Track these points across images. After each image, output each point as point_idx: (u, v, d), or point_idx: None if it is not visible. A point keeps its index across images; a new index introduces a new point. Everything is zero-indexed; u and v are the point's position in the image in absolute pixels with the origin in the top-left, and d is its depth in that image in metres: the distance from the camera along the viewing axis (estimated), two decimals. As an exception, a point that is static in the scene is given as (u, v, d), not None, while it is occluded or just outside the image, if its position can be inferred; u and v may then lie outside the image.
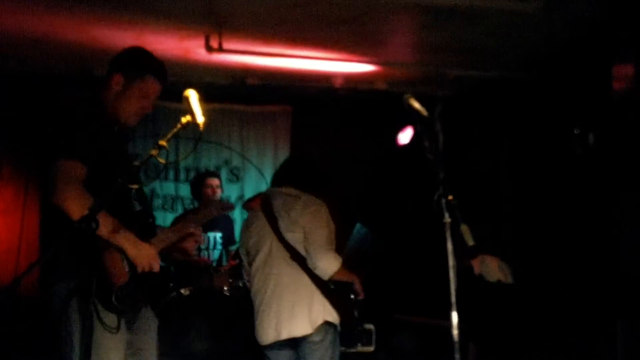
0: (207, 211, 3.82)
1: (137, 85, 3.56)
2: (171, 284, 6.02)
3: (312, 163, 5.01)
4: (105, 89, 3.57)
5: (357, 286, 4.75)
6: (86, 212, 2.86)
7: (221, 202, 6.54)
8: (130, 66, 3.58)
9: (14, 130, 7.40)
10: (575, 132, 5.76)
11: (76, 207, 3.20)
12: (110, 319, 3.31)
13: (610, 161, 5.59)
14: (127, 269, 3.33)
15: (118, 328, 3.31)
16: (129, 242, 3.30)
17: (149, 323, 3.63)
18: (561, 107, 6.17)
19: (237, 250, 6.92)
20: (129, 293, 3.32)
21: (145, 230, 3.51)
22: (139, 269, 3.32)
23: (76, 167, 3.28)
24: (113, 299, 3.27)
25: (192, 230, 3.68)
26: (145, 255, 3.32)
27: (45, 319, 6.63)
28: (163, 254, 3.54)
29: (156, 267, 3.35)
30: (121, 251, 3.31)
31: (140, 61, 3.61)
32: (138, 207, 3.54)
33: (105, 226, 3.23)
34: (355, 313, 4.83)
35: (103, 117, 3.50)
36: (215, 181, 6.92)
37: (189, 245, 3.77)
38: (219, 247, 7.06)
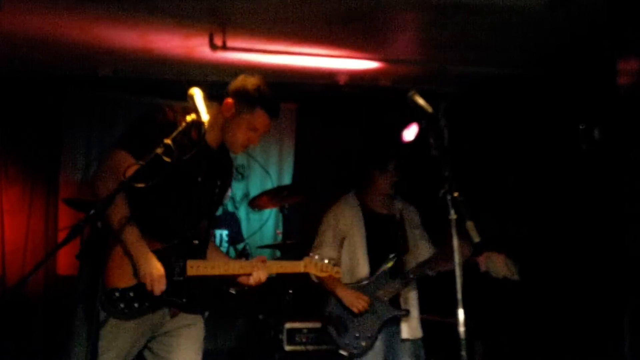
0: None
1: (246, 116, 3.58)
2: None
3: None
4: (214, 110, 3.56)
5: (345, 300, 4.69)
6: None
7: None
8: (243, 96, 3.59)
9: (19, 130, 7.42)
10: (581, 127, 5.74)
11: (103, 192, 3.25)
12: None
13: (616, 156, 5.58)
14: (134, 278, 3.37)
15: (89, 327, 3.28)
16: (138, 254, 3.34)
17: (184, 331, 3.62)
18: (566, 102, 6.16)
19: (243, 249, 6.93)
20: (126, 299, 3.35)
21: (187, 249, 3.53)
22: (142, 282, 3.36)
23: (126, 159, 3.28)
24: (102, 296, 3.29)
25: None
26: (149, 275, 3.34)
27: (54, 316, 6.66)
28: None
29: (156, 291, 3.36)
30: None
31: (253, 93, 3.60)
32: (187, 231, 3.55)
33: (124, 230, 3.30)
34: (332, 331, 4.68)
35: (188, 133, 3.47)
36: None
37: (244, 280, 3.71)
38: (225, 244, 7.07)
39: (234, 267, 3.65)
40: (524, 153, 6.61)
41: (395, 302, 4.76)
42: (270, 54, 6.43)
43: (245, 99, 3.59)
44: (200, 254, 3.60)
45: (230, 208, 7.69)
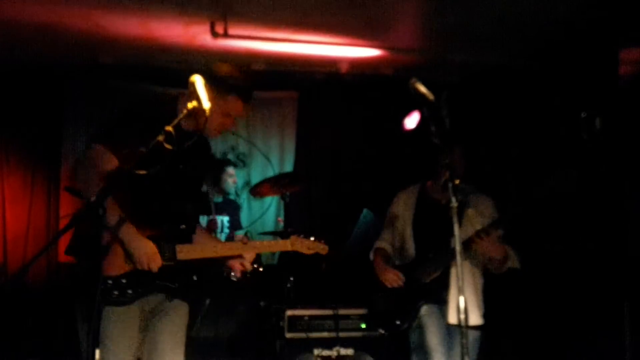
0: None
1: (218, 102, 3.60)
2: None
3: None
4: (190, 98, 3.57)
5: (380, 275, 4.93)
6: (93, 197, 2.91)
7: None
8: (215, 82, 3.61)
9: (20, 119, 7.41)
10: (582, 116, 5.74)
11: (85, 189, 3.32)
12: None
13: (617, 146, 5.57)
14: (125, 265, 3.41)
15: (90, 317, 3.33)
16: (129, 238, 3.38)
17: (170, 316, 3.67)
18: (567, 92, 6.15)
19: (244, 235, 6.94)
20: (119, 286, 3.40)
21: (175, 234, 3.58)
22: (137, 267, 3.38)
23: (105, 155, 3.34)
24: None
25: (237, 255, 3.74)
26: (144, 254, 3.39)
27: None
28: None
29: (154, 267, 3.39)
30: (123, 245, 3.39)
31: (224, 79, 3.64)
32: (174, 216, 3.60)
33: (112, 218, 3.33)
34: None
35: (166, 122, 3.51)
36: (233, 170, 6.97)
37: (235, 265, 3.77)
38: (226, 230, 7.10)
39: (222, 250, 3.72)
40: (524, 142, 6.61)
41: (440, 284, 4.75)
42: (272, 41, 6.41)
43: (218, 85, 3.61)
44: (188, 238, 3.66)
45: (231, 195, 7.69)
